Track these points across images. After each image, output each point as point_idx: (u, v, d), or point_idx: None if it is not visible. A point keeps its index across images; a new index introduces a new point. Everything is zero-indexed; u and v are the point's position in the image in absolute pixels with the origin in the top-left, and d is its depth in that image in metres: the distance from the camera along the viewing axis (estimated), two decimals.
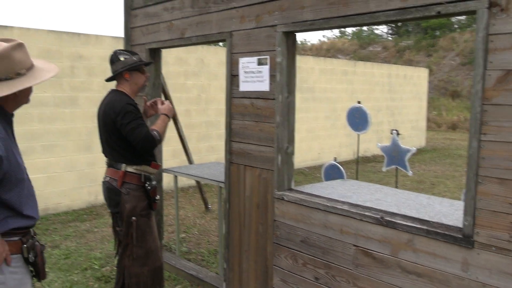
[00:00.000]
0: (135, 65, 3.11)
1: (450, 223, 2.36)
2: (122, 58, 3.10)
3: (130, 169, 3.05)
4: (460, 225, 2.28)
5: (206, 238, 5.28)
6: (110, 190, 3.09)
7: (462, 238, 2.17)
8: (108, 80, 3.23)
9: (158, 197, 3.21)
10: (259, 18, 3.12)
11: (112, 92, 3.16)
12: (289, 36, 3.00)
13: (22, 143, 5.77)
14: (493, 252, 2.08)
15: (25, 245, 1.90)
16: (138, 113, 3.00)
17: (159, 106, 3.26)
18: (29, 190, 1.96)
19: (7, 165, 1.78)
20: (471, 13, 2.18)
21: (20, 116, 5.71)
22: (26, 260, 1.92)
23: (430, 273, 2.31)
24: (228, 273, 3.48)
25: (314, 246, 2.84)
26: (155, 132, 3.00)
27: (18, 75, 1.86)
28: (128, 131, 2.92)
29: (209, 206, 6.44)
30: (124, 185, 3.04)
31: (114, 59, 3.13)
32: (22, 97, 1.96)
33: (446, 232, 2.24)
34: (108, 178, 3.11)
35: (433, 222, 2.39)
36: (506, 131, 2.04)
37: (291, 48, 3.03)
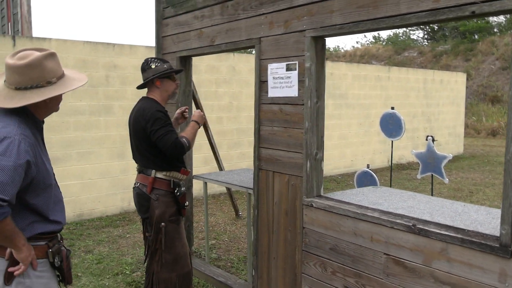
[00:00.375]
0: (166, 72, 3.15)
1: (487, 231, 2.25)
2: (153, 66, 3.14)
3: (159, 175, 3.08)
4: (497, 234, 2.17)
5: (236, 245, 5.27)
6: (140, 196, 3.13)
7: (499, 248, 2.06)
8: (139, 87, 3.29)
9: (187, 203, 3.23)
10: (288, 24, 3.10)
11: (143, 99, 3.20)
12: (318, 41, 2.97)
13: (58, 151, 6.00)
14: None
15: (50, 250, 1.93)
16: (167, 119, 3.03)
17: (193, 112, 3.29)
18: (57, 195, 2.00)
19: (35, 170, 1.82)
20: (508, 12, 2.09)
21: (57, 124, 5.90)
22: (52, 265, 1.96)
23: (465, 283, 2.20)
24: (257, 280, 3.45)
25: (343, 254, 2.78)
26: (184, 139, 3.03)
27: (49, 83, 1.90)
28: (158, 137, 2.95)
29: (240, 213, 6.43)
30: (153, 191, 3.07)
31: (145, 66, 3.17)
32: (53, 105, 2.01)
33: (482, 241, 2.13)
34: (138, 184, 3.16)
35: (469, 230, 2.29)
36: None
37: (320, 53, 2.99)
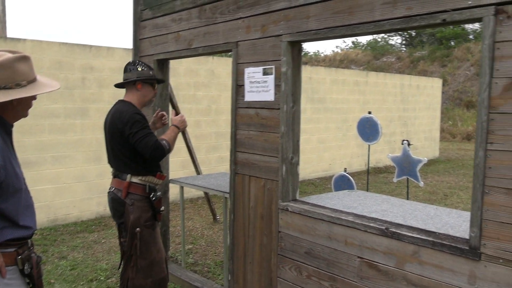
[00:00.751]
0: (150, 78, 3.15)
1: (457, 234, 2.30)
2: (139, 68, 3.13)
3: (135, 179, 3.05)
4: (467, 236, 2.22)
5: (213, 249, 5.24)
6: (115, 201, 3.09)
7: (469, 250, 2.11)
8: (118, 85, 3.25)
9: (163, 208, 3.20)
10: (265, 28, 3.11)
11: (120, 102, 3.17)
12: (294, 46, 2.99)
13: (32, 154, 5.88)
14: (500, 265, 2.01)
15: (20, 257, 1.88)
16: (146, 122, 3.01)
17: (172, 117, 3.26)
18: (27, 200, 1.95)
19: (4, 174, 1.78)
20: (477, 20, 2.14)
21: (31, 127, 5.79)
22: (22, 272, 1.91)
23: (436, 286, 2.24)
24: (233, 285, 3.44)
25: (318, 258, 2.79)
26: (164, 142, 3.01)
27: (18, 85, 1.86)
28: (137, 140, 2.92)
29: (218, 217, 6.41)
30: (128, 195, 3.03)
31: (130, 67, 3.15)
32: (21, 108, 1.96)
33: (453, 244, 2.18)
34: (113, 189, 3.11)
35: (440, 233, 2.33)
36: None
37: (296, 57, 3.01)
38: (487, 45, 2.03)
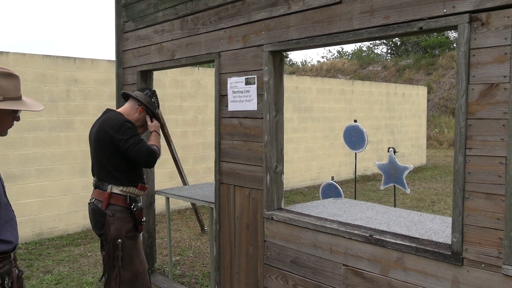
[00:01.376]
0: (154, 113, 3.29)
1: (440, 240, 2.31)
2: (153, 100, 3.30)
3: (116, 190, 3.02)
4: (449, 242, 2.23)
5: (201, 260, 5.20)
6: (95, 212, 3.06)
7: (451, 255, 2.12)
8: (125, 95, 3.32)
9: (144, 219, 3.16)
10: (246, 38, 3.13)
11: (109, 110, 3.19)
12: (276, 55, 3.00)
13: (16, 168, 5.81)
14: (482, 269, 2.02)
15: (0, 271, 1.85)
16: (136, 130, 3.04)
17: (148, 124, 3.28)
18: (8, 214, 1.92)
19: None
20: (452, 28, 2.17)
21: (15, 140, 5.73)
22: (3, 286, 1.87)
23: None
24: None
25: (304, 267, 2.78)
26: (154, 147, 3.04)
27: None
28: (130, 146, 2.92)
29: (205, 228, 6.37)
30: (109, 206, 3.00)
31: (148, 93, 3.29)
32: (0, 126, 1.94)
33: (436, 250, 2.18)
34: (93, 200, 3.08)
35: (423, 239, 2.34)
36: (490, 145, 2.01)
37: (278, 67, 3.03)
38: (462, 52, 2.07)
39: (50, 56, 6.22)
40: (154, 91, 3.35)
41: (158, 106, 3.36)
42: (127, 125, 2.98)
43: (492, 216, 2.00)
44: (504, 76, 1.96)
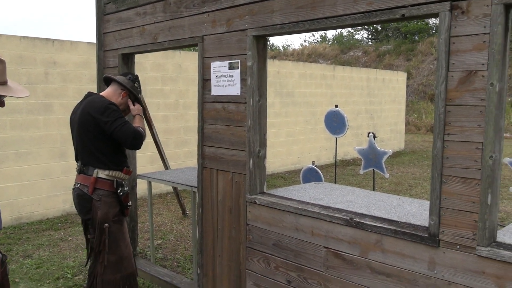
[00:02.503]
0: (137, 97, 3.28)
1: (418, 222, 2.39)
2: (136, 84, 3.28)
3: (102, 175, 3.02)
4: (427, 224, 2.30)
5: (182, 244, 5.23)
6: (81, 197, 3.05)
7: (428, 237, 2.19)
8: (107, 78, 3.29)
9: (130, 203, 3.18)
10: (230, 22, 3.12)
11: (91, 94, 3.17)
12: (260, 40, 3.01)
13: None
14: (457, 251, 2.10)
15: None
16: (121, 112, 3.05)
17: (131, 107, 3.27)
18: None
19: None
20: (434, 15, 2.21)
21: None
22: None
23: (398, 273, 2.32)
24: (202, 278, 3.46)
25: (286, 249, 2.84)
26: (140, 129, 3.06)
27: None
28: (116, 128, 2.92)
29: (187, 212, 6.39)
30: (95, 191, 3.00)
31: (131, 77, 3.27)
32: None
33: (413, 232, 2.26)
34: (78, 185, 3.07)
35: (401, 222, 2.41)
36: (468, 131, 2.07)
37: (262, 51, 3.03)
38: (443, 40, 2.11)
39: (27, 37, 6.07)
40: (137, 76, 3.34)
41: (140, 91, 3.34)
42: (112, 108, 2.97)
43: (468, 200, 2.08)
44: (482, 64, 2.01)
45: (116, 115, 2.96)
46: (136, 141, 2.97)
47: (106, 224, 2.98)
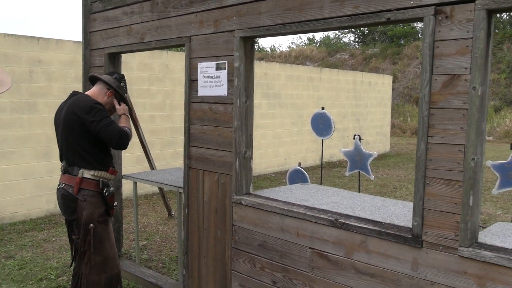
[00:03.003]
0: (123, 97, 3.27)
1: (402, 224, 2.42)
2: (122, 84, 3.27)
3: (87, 175, 2.99)
4: (410, 225, 2.33)
5: (168, 245, 5.21)
6: (66, 197, 3.02)
7: (412, 238, 2.22)
8: (93, 77, 3.26)
9: (115, 203, 3.16)
10: (218, 23, 3.13)
11: (77, 93, 3.15)
12: (247, 41, 3.02)
13: None
14: (440, 251, 2.14)
15: None
16: (106, 112, 3.03)
17: (117, 107, 3.25)
18: None
19: None
20: (418, 20, 2.25)
21: None
22: None
23: (382, 273, 2.35)
24: (187, 279, 3.45)
25: (271, 250, 2.85)
26: (126, 129, 3.04)
27: None
28: (101, 127, 2.90)
29: (173, 213, 6.37)
30: (80, 191, 2.98)
31: (117, 76, 3.26)
32: None
33: (397, 233, 2.29)
34: (63, 185, 3.04)
35: (385, 223, 2.44)
36: (451, 133, 2.10)
37: (249, 53, 3.05)
38: (427, 44, 2.15)
39: (12, 35, 5.99)
40: (123, 75, 3.32)
41: (126, 90, 3.33)
42: (98, 107, 2.95)
43: (450, 201, 2.11)
44: (465, 68, 2.05)
45: (102, 114, 2.94)
46: (122, 141, 2.95)
47: (91, 225, 2.96)
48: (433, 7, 2.12)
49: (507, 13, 24.54)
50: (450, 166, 2.11)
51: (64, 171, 3.07)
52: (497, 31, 22.34)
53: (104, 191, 3.04)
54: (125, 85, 3.33)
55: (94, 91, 3.17)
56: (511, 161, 3.27)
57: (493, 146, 14.46)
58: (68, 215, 3.08)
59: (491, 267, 1.99)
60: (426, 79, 2.16)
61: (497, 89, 20.04)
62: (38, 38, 6.25)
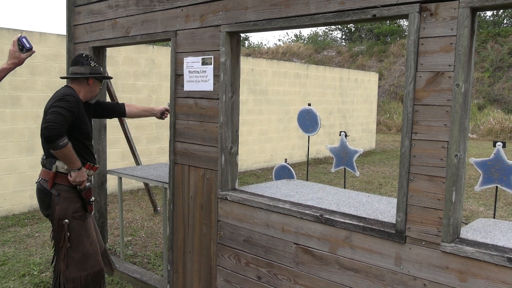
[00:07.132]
0: (101, 76, 3.16)
1: (386, 219, 2.44)
2: (92, 64, 3.13)
3: (61, 169, 2.92)
4: (394, 221, 2.36)
5: (153, 240, 5.19)
6: (41, 192, 2.97)
7: (395, 234, 2.24)
8: (66, 77, 3.20)
9: (93, 198, 3.07)
10: (204, 18, 3.11)
11: (65, 87, 3.09)
12: (233, 36, 3.00)
13: None
14: (423, 246, 2.16)
15: None
16: (72, 107, 2.82)
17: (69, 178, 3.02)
18: None
19: None
20: (404, 17, 2.26)
21: None
22: None
23: (366, 268, 2.37)
24: (172, 275, 3.43)
25: (256, 246, 2.85)
26: (66, 140, 2.72)
27: None
28: (49, 112, 2.73)
29: (158, 209, 6.33)
30: (55, 186, 2.92)
31: (82, 61, 3.10)
32: None
33: (381, 228, 2.30)
34: (40, 179, 2.99)
35: (370, 219, 2.46)
36: (434, 130, 2.12)
37: (235, 48, 3.03)
38: (412, 41, 2.16)
39: None
40: (86, 55, 3.15)
41: (100, 64, 3.24)
42: (66, 98, 2.84)
43: (434, 197, 2.13)
44: (449, 65, 2.07)
45: (61, 104, 2.77)
46: (45, 131, 2.66)
47: (66, 220, 2.89)
48: (418, 4, 2.13)
49: (491, 12, 24.76)
50: (433, 162, 2.13)
51: (42, 165, 3.01)
52: (481, 30, 22.63)
53: (78, 186, 2.96)
54: (94, 61, 3.15)
55: (75, 86, 3.09)
56: (493, 158, 3.32)
57: (476, 143, 14.67)
58: (43, 210, 3.02)
59: (473, 262, 2.02)
60: (411, 76, 2.17)
61: (481, 88, 20.32)
62: (21, 31, 6.14)
